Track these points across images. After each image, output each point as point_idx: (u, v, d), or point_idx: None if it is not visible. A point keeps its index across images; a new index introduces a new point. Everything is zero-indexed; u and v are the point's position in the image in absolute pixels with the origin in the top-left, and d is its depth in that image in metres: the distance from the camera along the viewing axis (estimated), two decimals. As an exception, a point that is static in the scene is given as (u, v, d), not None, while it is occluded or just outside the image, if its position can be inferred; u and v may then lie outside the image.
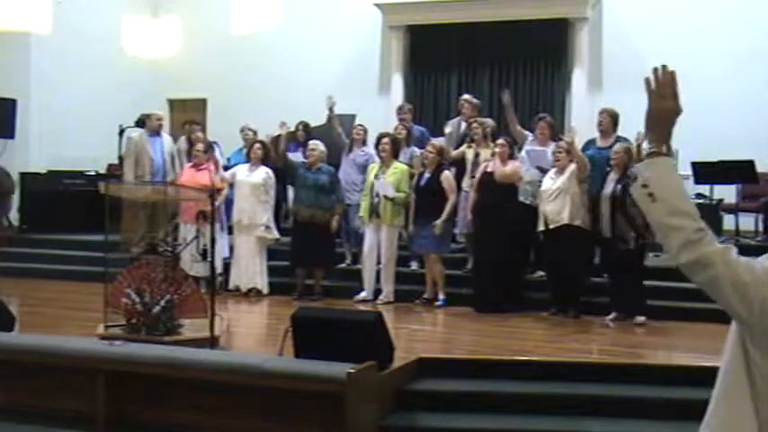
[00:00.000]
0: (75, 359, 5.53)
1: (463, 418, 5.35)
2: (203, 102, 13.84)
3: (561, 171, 7.86)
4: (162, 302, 6.09)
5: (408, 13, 12.56)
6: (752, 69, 11.03)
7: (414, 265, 9.15)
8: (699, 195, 9.35)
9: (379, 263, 8.68)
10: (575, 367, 5.90)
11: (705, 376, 5.89)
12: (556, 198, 7.78)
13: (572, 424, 5.30)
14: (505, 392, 5.58)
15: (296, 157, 9.53)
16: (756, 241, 9.30)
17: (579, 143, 8.40)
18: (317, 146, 9.08)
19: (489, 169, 8.28)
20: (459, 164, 9.00)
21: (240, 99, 12.87)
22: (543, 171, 8.25)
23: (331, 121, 9.95)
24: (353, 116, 10.64)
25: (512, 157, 8.40)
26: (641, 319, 7.51)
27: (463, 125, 9.60)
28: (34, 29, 12.17)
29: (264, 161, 9.32)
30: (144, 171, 9.98)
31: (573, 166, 7.79)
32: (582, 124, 10.04)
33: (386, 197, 8.51)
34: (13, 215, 11.64)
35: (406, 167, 8.79)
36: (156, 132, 10.24)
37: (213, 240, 6.35)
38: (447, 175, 8.49)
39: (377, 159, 8.89)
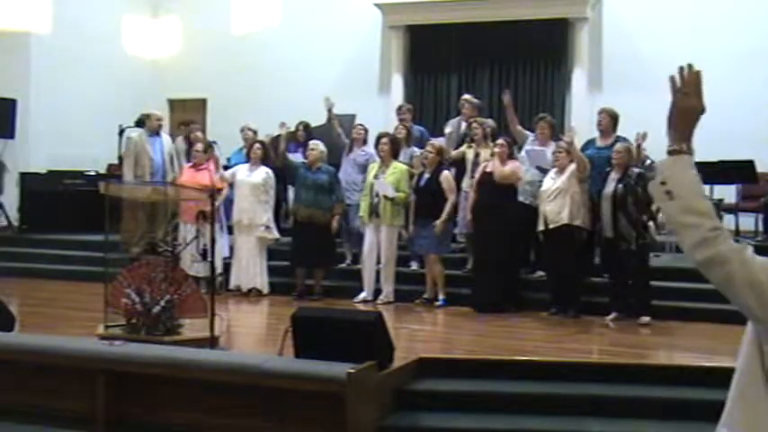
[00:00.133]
0: (75, 359, 5.53)
1: (463, 418, 5.35)
2: (203, 102, 13.85)
3: (561, 171, 7.85)
4: (162, 302, 6.09)
5: (408, 13, 12.56)
6: (752, 69, 11.03)
7: (414, 265, 9.15)
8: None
9: (378, 263, 8.68)
10: (575, 367, 5.89)
11: (705, 376, 5.93)
12: (556, 198, 7.78)
13: (572, 424, 5.30)
14: (505, 392, 5.57)
15: (296, 157, 9.53)
16: (756, 241, 9.30)
17: (579, 143, 8.40)
18: (317, 146, 9.08)
19: (488, 169, 8.28)
20: (460, 164, 9.00)
21: (240, 99, 12.87)
22: (542, 171, 8.25)
23: (331, 122, 9.96)
24: (353, 116, 10.64)
25: (511, 157, 8.40)
26: (646, 319, 7.45)
27: (463, 125, 9.60)
28: (34, 29, 12.18)
29: (264, 161, 9.32)
30: (144, 171, 9.97)
31: (573, 166, 7.79)
32: (582, 124, 10.05)
33: (385, 197, 8.51)
34: (13, 215, 11.65)
35: (405, 167, 8.78)
36: (155, 132, 10.24)
37: (213, 240, 6.35)
38: (446, 175, 8.49)
39: (377, 159, 8.89)
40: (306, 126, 10.20)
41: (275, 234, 9.21)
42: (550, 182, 7.89)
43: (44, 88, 12.26)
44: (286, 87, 12.75)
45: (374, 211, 8.60)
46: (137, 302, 6.12)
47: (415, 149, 9.35)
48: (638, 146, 8.00)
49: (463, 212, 8.64)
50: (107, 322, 6.27)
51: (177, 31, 13.87)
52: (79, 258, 10.29)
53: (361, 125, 9.66)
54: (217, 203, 7.61)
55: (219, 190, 8.66)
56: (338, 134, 9.81)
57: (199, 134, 10.61)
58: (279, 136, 9.56)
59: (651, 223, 7.77)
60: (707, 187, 9.52)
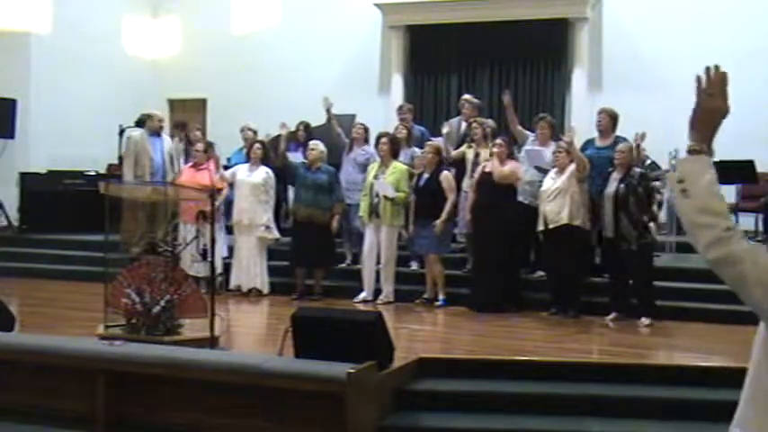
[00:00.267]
0: (75, 359, 5.53)
1: (463, 418, 5.35)
2: (203, 102, 13.85)
3: (561, 171, 7.85)
4: (162, 302, 6.09)
5: (408, 13, 12.56)
6: (752, 69, 11.02)
7: (414, 265, 9.14)
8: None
9: (378, 263, 8.68)
10: (575, 367, 5.89)
11: (705, 376, 5.93)
12: (555, 198, 7.78)
13: (572, 424, 5.30)
14: (505, 392, 5.58)
15: (296, 157, 9.53)
16: (756, 241, 9.30)
17: (579, 143, 8.40)
18: (317, 146, 9.08)
19: (488, 169, 8.28)
20: (460, 164, 8.99)
21: (240, 99, 12.87)
22: (541, 171, 8.24)
23: (330, 122, 9.96)
24: (353, 116, 10.64)
25: (511, 156, 8.40)
26: (646, 321, 7.42)
27: (463, 125, 9.60)
28: (34, 29, 12.18)
29: (264, 161, 9.32)
30: (144, 171, 9.97)
31: (572, 166, 7.79)
32: (582, 124, 10.04)
33: (385, 197, 8.51)
34: (13, 215, 11.66)
35: (405, 167, 8.78)
36: (156, 132, 10.24)
37: (213, 240, 6.35)
38: (446, 175, 8.48)
39: (378, 158, 8.89)
40: (306, 126, 10.20)
41: (275, 234, 9.21)
42: (550, 182, 7.89)
43: (44, 88, 12.26)
44: (286, 87, 12.75)
45: (374, 211, 8.60)
46: (137, 302, 6.12)
47: (416, 150, 9.34)
48: (638, 146, 8.00)
49: (463, 212, 8.64)
50: (107, 322, 6.27)
51: (177, 31, 13.87)
52: (79, 258, 10.30)
53: (360, 124, 9.65)
54: (217, 203, 7.61)
55: (219, 190, 8.66)
56: (338, 134, 9.81)
57: (198, 134, 10.60)
58: (279, 136, 9.56)
59: (652, 224, 7.77)
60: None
